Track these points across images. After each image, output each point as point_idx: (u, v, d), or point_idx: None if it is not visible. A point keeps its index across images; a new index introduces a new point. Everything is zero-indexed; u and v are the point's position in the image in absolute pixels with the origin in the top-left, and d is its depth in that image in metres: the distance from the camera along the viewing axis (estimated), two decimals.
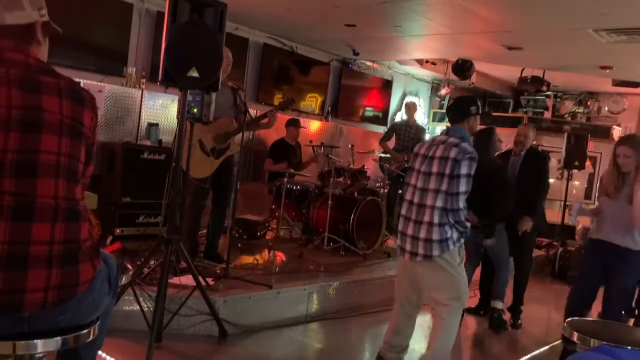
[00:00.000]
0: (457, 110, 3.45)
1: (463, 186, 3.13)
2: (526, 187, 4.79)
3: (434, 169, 3.22)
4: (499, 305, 4.86)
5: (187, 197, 4.51)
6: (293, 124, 7.00)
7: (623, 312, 5.29)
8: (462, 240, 3.26)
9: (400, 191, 7.92)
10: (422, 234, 3.20)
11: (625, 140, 4.01)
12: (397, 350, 3.46)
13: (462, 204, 3.17)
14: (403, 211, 3.38)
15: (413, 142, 7.89)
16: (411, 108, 8.20)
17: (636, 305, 5.45)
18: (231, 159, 4.81)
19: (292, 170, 6.38)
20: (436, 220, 3.17)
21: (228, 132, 4.68)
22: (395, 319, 3.49)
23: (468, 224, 3.25)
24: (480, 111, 3.42)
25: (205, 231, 5.03)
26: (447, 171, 3.16)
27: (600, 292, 4.06)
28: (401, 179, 7.68)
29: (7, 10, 1.76)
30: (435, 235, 3.16)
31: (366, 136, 9.22)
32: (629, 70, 7.70)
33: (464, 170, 3.14)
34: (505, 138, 5.82)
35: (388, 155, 7.61)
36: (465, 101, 3.58)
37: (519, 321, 5.05)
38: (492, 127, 4.94)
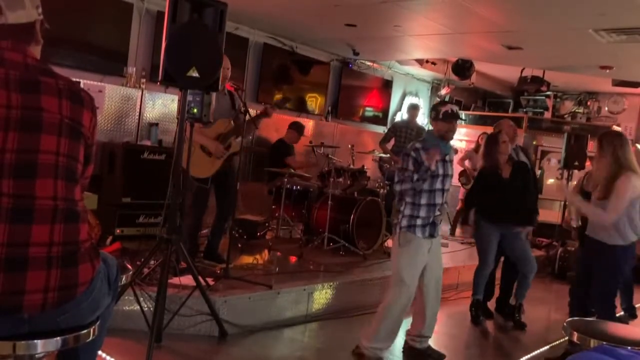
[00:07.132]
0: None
1: (396, 177, 3.67)
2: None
3: None
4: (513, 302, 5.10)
5: (189, 197, 4.51)
6: (295, 129, 6.95)
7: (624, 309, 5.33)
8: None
9: None
10: None
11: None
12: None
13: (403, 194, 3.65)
14: None
15: None
16: (416, 110, 8.17)
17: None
18: (233, 164, 4.74)
19: (292, 171, 6.37)
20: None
21: (227, 131, 4.67)
22: None
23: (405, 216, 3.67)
24: (440, 115, 3.67)
25: (206, 231, 5.02)
26: None
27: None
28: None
29: (10, 9, 1.75)
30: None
31: (366, 136, 9.21)
32: (628, 70, 7.70)
33: (399, 164, 3.69)
34: None
35: (387, 155, 7.56)
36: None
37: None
38: (499, 131, 4.95)
